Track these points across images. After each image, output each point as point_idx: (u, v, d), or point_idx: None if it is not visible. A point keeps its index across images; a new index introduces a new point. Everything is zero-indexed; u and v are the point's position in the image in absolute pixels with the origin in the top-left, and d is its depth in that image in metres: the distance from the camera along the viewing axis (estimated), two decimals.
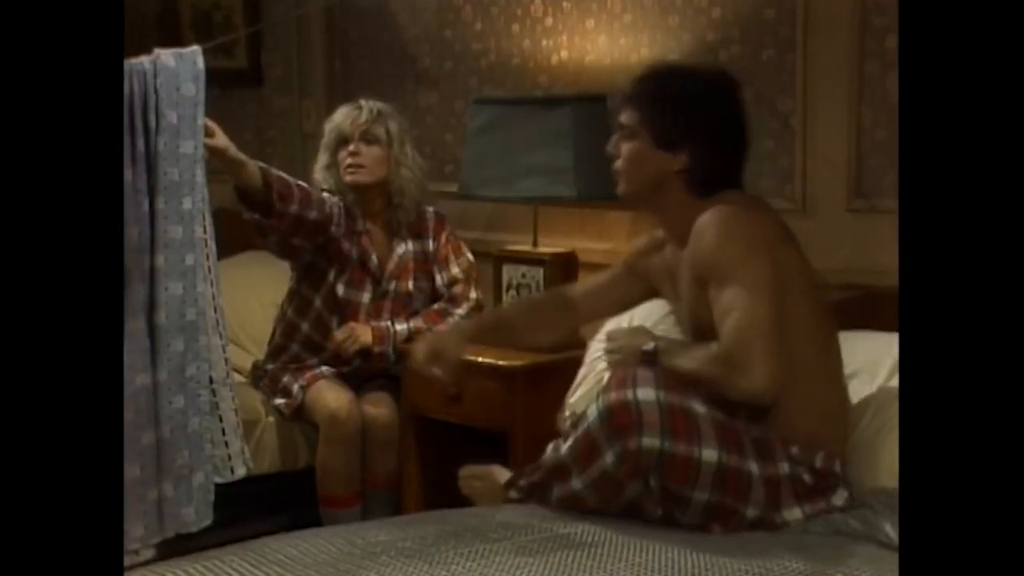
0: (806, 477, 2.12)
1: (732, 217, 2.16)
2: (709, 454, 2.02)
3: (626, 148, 2.26)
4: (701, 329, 2.20)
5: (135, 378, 2.25)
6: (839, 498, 2.14)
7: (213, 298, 2.46)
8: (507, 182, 3.19)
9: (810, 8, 2.96)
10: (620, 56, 3.33)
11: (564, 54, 3.46)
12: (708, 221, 2.15)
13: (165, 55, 2.33)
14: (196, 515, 2.39)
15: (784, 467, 2.10)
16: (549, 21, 3.51)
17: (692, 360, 2.12)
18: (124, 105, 2.24)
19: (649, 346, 2.17)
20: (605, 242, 3.31)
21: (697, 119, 2.22)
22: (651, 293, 2.53)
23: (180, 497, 2.34)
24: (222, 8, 4.27)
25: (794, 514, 2.09)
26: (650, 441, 2.00)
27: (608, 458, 2.04)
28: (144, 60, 2.31)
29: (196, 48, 2.39)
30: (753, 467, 2.06)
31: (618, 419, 2.02)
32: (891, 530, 1.99)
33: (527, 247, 3.31)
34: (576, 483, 2.11)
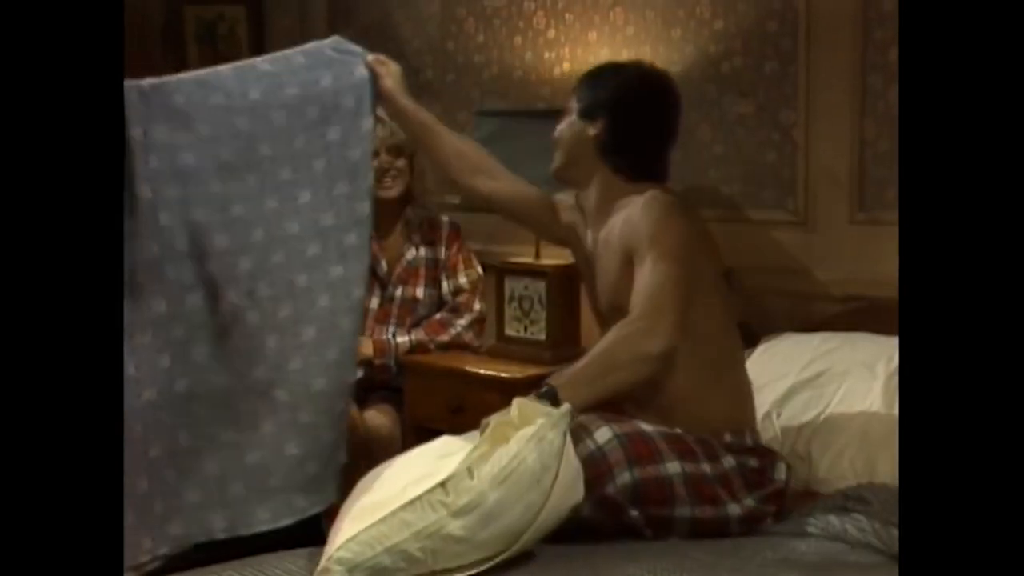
0: (752, 462, 2.23)
1: (667, 204, 2.30)
2: (673, 467, 2.12)
3: (561, 125, 2.46)
4: (618, 306, 2.28)
5: (251, 371, 2.28)
6: (780, 472, 2.27)
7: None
8: None
9: (812, 20, 2.97)
10: None
11: (566, 66, 3.47)
12: (646, 200, 2.29)
13: (314, 47, 2.38)
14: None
15: (729, 461, 2.20)
16: (552, 33, 3.52)
17: (601, 346, 2.17)
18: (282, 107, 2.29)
19: (542, 389, 2.10)
20: None
21: (616, 96, 2.39)
22: (560, 242, 2.63)
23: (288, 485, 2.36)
24: (226, 19, 4.28)
25: (745, 505, 2.18)
26: (622, 478, 2.07)
27: (585, 510, 2.06)
28: (293, 53, 2.35)
29: (335, 37, 2.44)
30: (707, 468, 2.16)
31: (589, 472, 2.04)
32: (885, 535, 1.99)
33: (529, 259, 3.30)
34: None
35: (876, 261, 2.85)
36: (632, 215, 2.30)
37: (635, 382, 2.17)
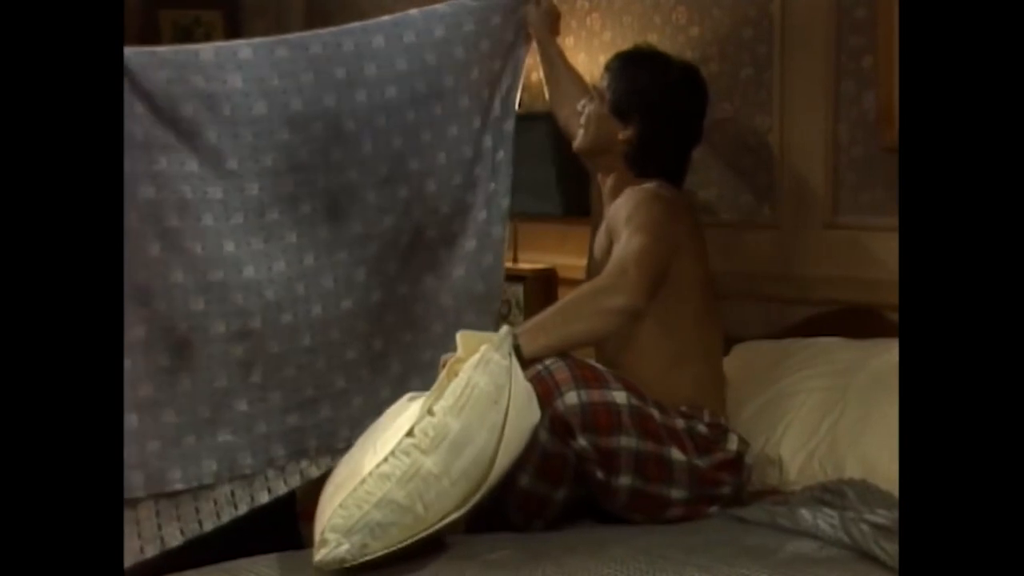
0: (701, 428, 2.32)
1: (653, 195, 2.42)
2: (620, 395, 2.17)
3: (590, 107, 2.56)
4: None
5: (423, 279, 2.55)
6: (732, 442, 2.36)
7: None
8: None
9: (787, 28, 2.99)
10: (599, 73, 3.34)
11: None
12: (635, 190, 2.44)
13: None
14: None
15: (680, 422, 2.29)
16: None
17: (564, 299, 2.32)
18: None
19: (502, 332, 2.13)
20: (585, 258, 3.31)
21: (651, 102, 2.50)
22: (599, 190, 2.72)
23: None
24: (203, 24, 4.28)
25: (692, 462, 2.25)
26: (569, 396, 2.12)
27: (542, 435, 2.11)
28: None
29: None
30: (655, 412, 2.23)
31: (538, 390, 2.10)
32: (858, 533, 2.01)
33: (508, 263, 3.31)
34: (523, 479, 2.15)
35: (851, 266, 2.87)
36: (620, 202, 2.44)
37: (593, 333, 2.28)
